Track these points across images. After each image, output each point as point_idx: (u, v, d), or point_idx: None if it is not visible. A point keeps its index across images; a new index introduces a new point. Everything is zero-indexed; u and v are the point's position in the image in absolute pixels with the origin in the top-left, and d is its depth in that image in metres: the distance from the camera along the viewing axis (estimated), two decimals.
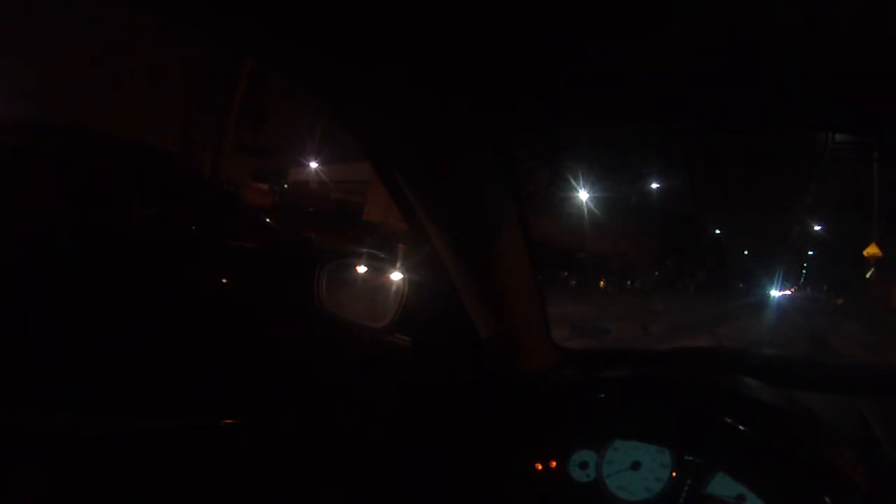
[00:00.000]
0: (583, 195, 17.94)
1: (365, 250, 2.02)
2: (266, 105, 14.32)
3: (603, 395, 1.09)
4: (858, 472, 0.86)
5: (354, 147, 0.90)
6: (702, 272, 30.30)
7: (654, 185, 20.41)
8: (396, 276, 1.54)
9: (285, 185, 19.66)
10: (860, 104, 0.70)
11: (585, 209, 18.16)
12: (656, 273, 27.61)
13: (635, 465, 0.93)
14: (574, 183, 17.23)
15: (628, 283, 23.88)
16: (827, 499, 0.81)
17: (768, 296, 18.87)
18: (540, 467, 0.99)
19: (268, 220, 2.55)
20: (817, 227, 21.14)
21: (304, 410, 1.46)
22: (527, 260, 1.05)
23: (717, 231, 28.21)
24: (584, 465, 0.96)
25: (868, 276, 15.58)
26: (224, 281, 2.36)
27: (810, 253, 28.14)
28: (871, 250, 13.94)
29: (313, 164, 19.50)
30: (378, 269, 1.68)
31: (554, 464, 0.98)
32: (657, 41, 0.64)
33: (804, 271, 32.78)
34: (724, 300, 19.84)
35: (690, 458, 0.91)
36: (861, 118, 0.77)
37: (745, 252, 30.22)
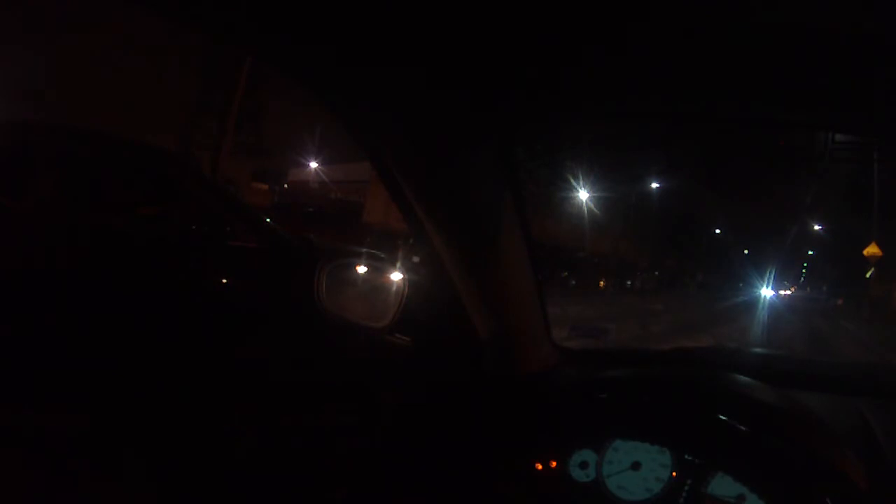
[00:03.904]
0: (583, 195, 17.93)
1: (365, 250, 2.02)
2: (266, 105, 14.32)
3: (603, 395, 1.09)
4: (858, 472, 0.86)
5: (354, 147, 0.90)
6: (701, 272, 30.32)
7: (654, 185, 20.39)
8: (396, 276, 1.54)
9: (285, 185, 19.66)
10: (860, 104, 0.70)
11: (585, 209, 18.15)
12: (656, 273, 27.63)
13: (635, 465, 0.93)
14: (574, 183, 17.23)
15: (628, 283, 23.90)
16: (827, 499, 0.81)
17: (768, 296, 18.85)
18: (540, 467, 0.99)
19: (268, 220, 2.54)
20: (817, 227, 21.11)
21: (303, 410, 1.46)
22: (527, 260, 1.05)
23: (717, 231, 28.18)
24: (584, 465, 0.96)
25: (868, 276, 15.59)
26: (224, 281, 2.35)
27: (810, 253, 28.13)
28: (871, 250, 13.94)
29: (313, 164, 19.49)
30: (378, 269, 1.67)
31: (554, 464, 0.98)
32: (658, 42, 0.64)
33: (804, 271, 32.78)
34: (724, 300, 19.82)
35: (690, 458, 0.91)
36: (861, 118, 0.77)
37: (746, 252, 30.19)
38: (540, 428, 1.07)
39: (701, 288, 27.93)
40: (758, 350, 2.01)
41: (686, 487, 0.88)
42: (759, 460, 0.87)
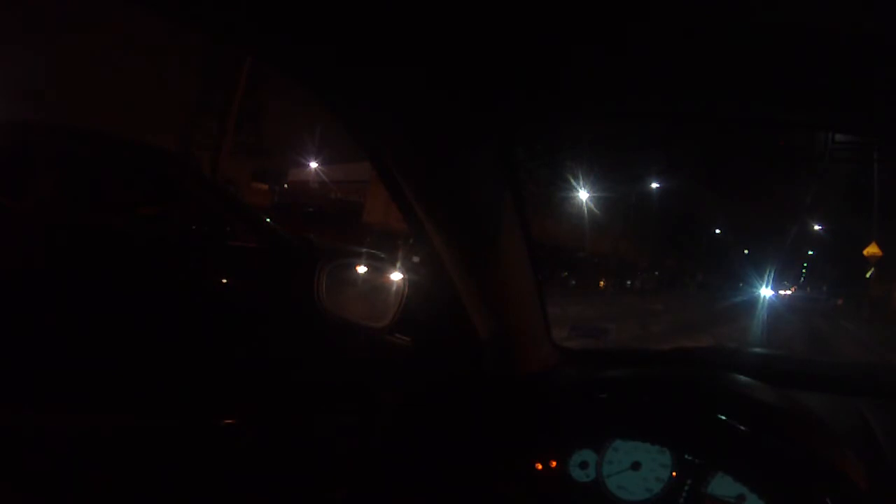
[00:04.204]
0: (583, 195, 17.94)
1: (365, 250, 2.02)
2: (266, 105, 14.33)
3: (603, 395, 1.09)
4: (858, 472, 0.86)
5: (354, 147, 0.90)
6: (701, 272, 30.35)
7: (654, 185, 20.40)
8: (396, 276, 1.54)
9: (285, 185, 19.67)
10: (860, 104, 0.70)
11: (585, 209, 18.15)
12: (656, 273, 27.65)
13: (635, 465, 0.93)
14: (574, 183, 17.24)
15: (628, 283, 23.91)
16: (827, 499, 0.81)
17: (767, 296, 18.84)
18: (540, 467, 0.99)
19: (268, 220, 2.54)
20: (817, 227, 21.13)
21: (304, 410, 1.46)
22: (527, 260, 1.05)
23: (717, 231, 28.19)
24: (584, 465, 0.96)
25: (868, 276, 15.59)
26: (224, 281, 2.35)
27: (810, 253, 28.15)
28: (871, 250, 13.95)
29: (313, 164, 19.50)
30: (378, 269, 1.68)
31: (554, 464, 0.98)
32: (658, 42, 0.64)
33: (804, 271, 32.80)
34: (724, 300, 19.81)
35: (690, 458, 0.91)
36: (861, 118, 0.77)
37: (746, 252, 30.19)
38: (540, 428, 1.07)
39: (701, 288, 27.96)
40: (758, 350, 2.01)
41: (686, 487, 0.88)
42: (759, 460, 0.87)
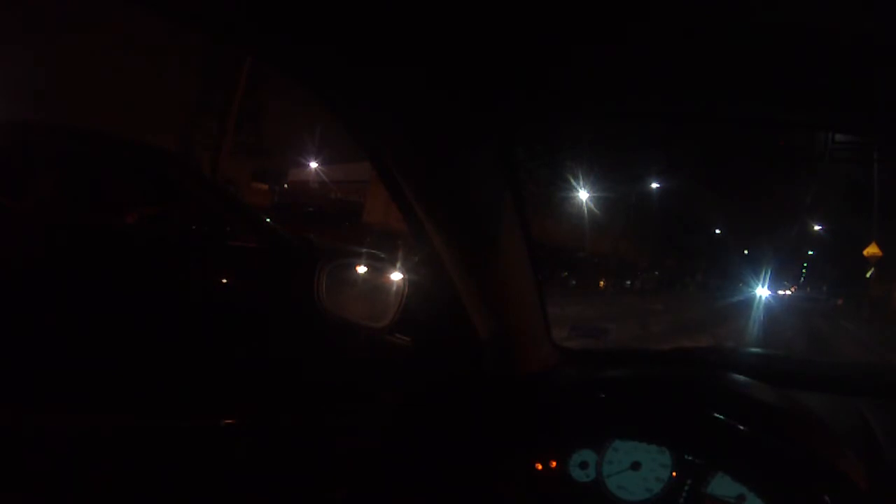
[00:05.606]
0: (583, 195, 17.94)
1: (365, 250, 2.02)
2: (266, 105, 14.33)
3: (603, 395, 1.09)
4: (858, 472, 0.86)
5: (354, 147, 0.90)
6: (701, 272, 30.37)
7: (654, 185, 20.39)
8: (396, 276, 1.54)
9: (285, 185, 19.69)
10: (860, 104, 0.70)
11: (585, 209, 18.16)
12: (656, 273, 27.65)
13: (635, 465, 0.93)
14: (574, 183, 17.24)
15: (628, 283, 23.91)
16: (827, 498, 0.81)
17: (764, 296, 18.82)
18: (540, 467, 0.99)
19: (268, 220, 2.54)
20: (817, 227, 21.15)
21: (303, 410, 1.47)
22: (527, 260, 1.05)
23: (717, 231, 28.18)
24: (584, 465, 0.96)
25: (868, 276, 15.60)
26: (224, 281, 2.35)
27: (810, 253, 28.16)
28: (871, 250, 13.96)
29: (313, 164, 19.51)
30: (378, 269, 1.68)
31: (554, 464, 0.98)
32: (658, 42, 0.64)
33: (804, 271, 32.82)
34: (723, 299, 19.81)
35: (690, 458, 0.91)
36: (861, 118, 0.77)
37: (745, 252, 30.19)
38: (540, 428, 1.07)
39: (701, 288, 27.97)
40: (757, 350, 2.02)
41: (686, 487, 0.88)
42: (759, 460, 0.87)
